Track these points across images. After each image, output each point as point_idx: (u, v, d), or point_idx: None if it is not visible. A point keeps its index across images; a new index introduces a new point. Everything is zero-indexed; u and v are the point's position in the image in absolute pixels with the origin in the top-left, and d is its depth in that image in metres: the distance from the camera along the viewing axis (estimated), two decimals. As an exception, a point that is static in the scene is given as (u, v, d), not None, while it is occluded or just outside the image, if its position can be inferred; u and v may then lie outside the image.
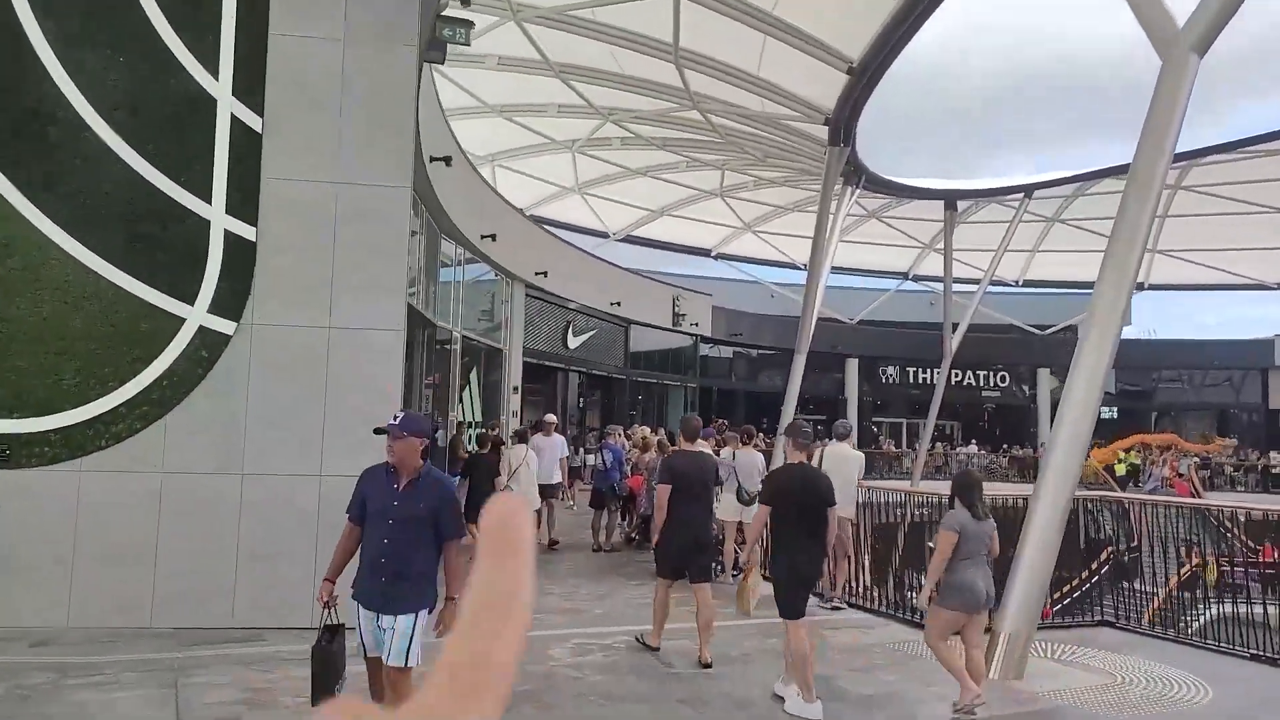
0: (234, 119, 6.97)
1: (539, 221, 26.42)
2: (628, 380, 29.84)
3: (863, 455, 8.93)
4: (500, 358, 22.47)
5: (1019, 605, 5.88)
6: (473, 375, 21.27)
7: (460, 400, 19.96)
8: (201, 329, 6.91)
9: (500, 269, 21.38)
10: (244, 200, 7.04)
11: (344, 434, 7.07)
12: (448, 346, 18.80)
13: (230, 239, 7.00)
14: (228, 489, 6.86)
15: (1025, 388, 41.39)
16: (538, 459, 11.00)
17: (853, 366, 40.68)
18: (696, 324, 31.85)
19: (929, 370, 41.49)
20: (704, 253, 39.10)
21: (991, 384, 41.31)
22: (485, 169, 26.17)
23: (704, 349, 35.30)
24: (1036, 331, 41.51)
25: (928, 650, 6.22)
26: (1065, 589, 9.92)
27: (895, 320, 44.03)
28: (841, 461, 8.68)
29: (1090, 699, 5.76)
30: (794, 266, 40.78)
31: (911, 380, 41.95)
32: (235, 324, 6.97)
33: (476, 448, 12.21)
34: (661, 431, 19.42)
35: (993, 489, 23.65)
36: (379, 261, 7.24)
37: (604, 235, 35.14)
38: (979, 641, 5.53)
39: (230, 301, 6.96)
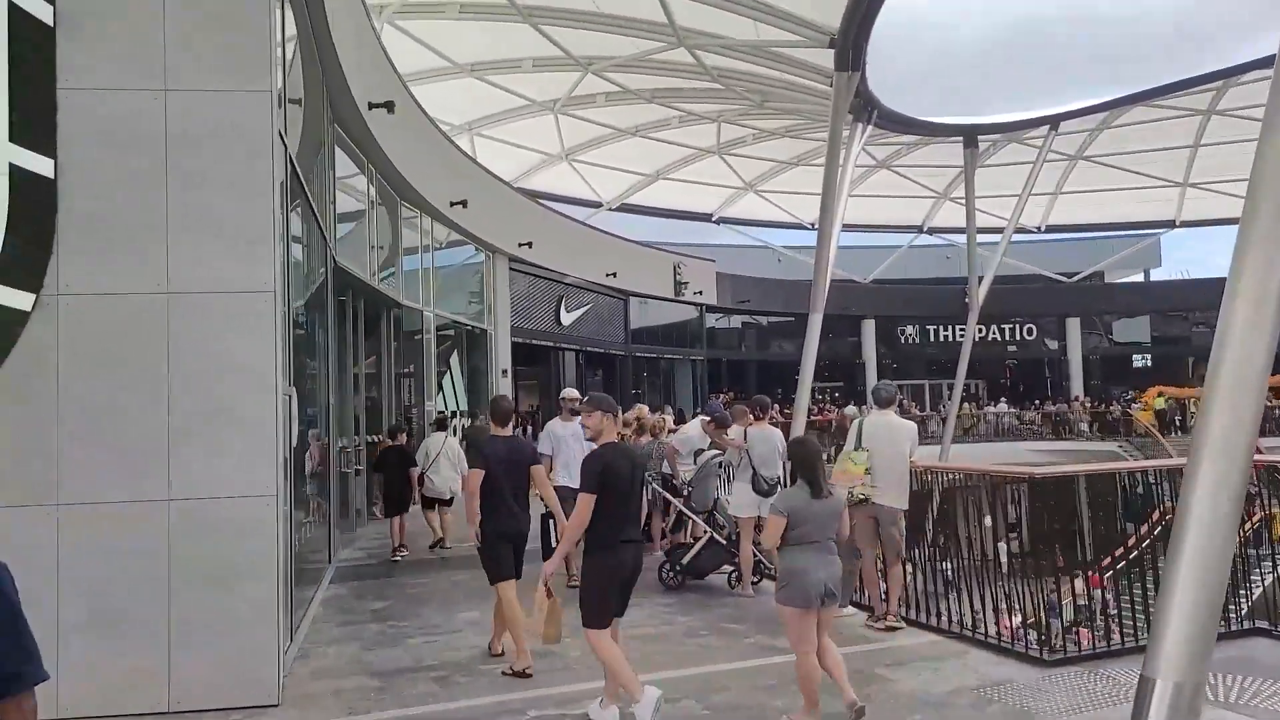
0: (11, 7, 4.91)
1: (526, 194, 24.26)
2: (629, 357, 27.79)
3: (914, 425, 6.88)
4: (485, 339, 20.44)
5: (1183, 646, 3.83)
6: (453, 360, 19.27)
7: (440, 388, 17.97)
8: (-15, 306, 4.90)
9: (477, 241, 19.31)
10: (33, 121, 5.00)
11: (198, 438, 5.08)
12: (419, 333, 16.78)
13: (17, 176, 4.97)
14: (35, 531, 4.88)
15: (1054, 340, 39.06)
16: (555, 451, 8.30)
17: (869, 328, 38.50)
18: (700, 293, 29.72)
19: (950, 328, 39.30)
20: (704, 218, 36.89)
21: (1018, 337, 38.97)
22: (463, 139, 24.04)
23: (710, 319, 33.19)
24: (1063, 279, 39.19)
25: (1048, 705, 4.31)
26: (1116, 553, 8.30)
27: (911, 277, 41.85)
28: (888, 434, 6.63)
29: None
30: (801, 226, 38.56)
31: (932, 339, 39.77)
32: (33, 296, 4.97)
33: (388, 440, 11.48)
34: (669, 411, 17.43)
35: (1030, 448, 21.54)
36: (233, 198, 5.21)
37: (597, 205, 32.99)
38: (826, 642, 4.77)
39: (22, 265, 4.95)
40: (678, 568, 8.11)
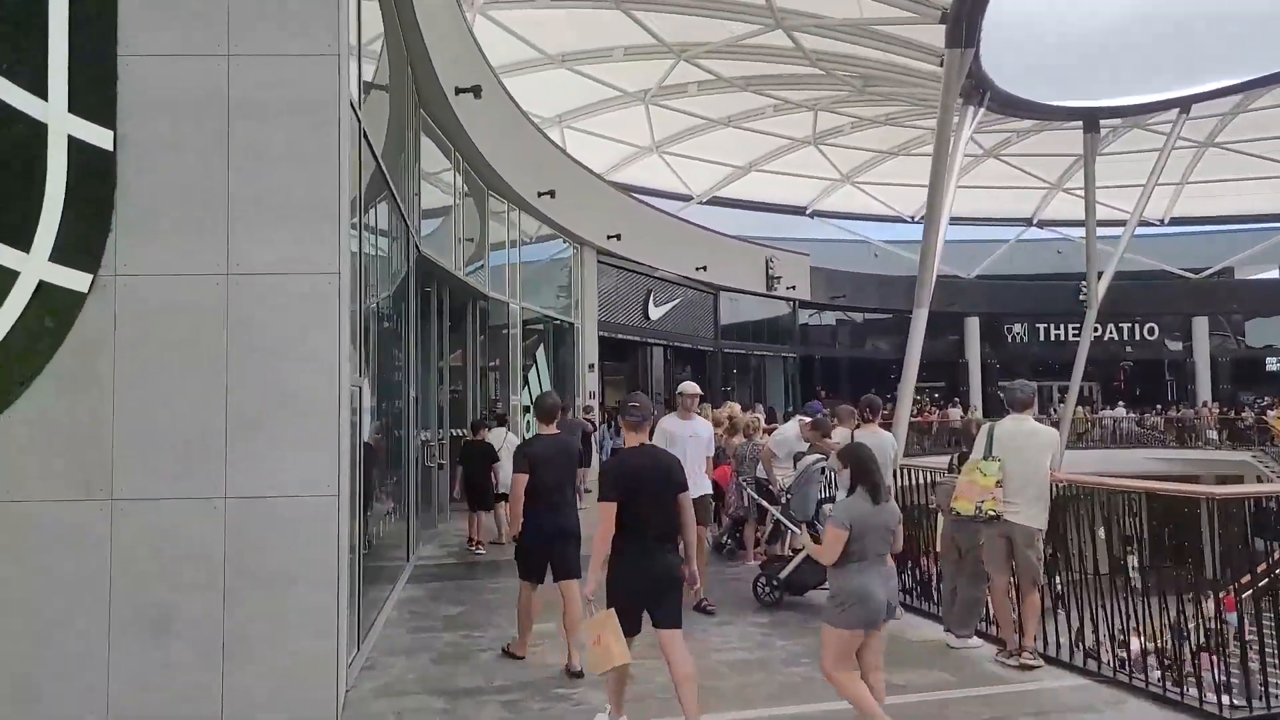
0: (71, -30, 4.62)
1: (615, 187, 23.80)
2: (719, 353, 27.07)
3: (1055, 432, 6.02)
4: (572, 333, 20.08)
5: None
6: (539, 354, 18.96)
7: (525, 382, 17.67)
8: (42, 286, 4.61)
9: (565, 233, 18.94)
10: (93, 90, 4.69)
11: (257, 430, 4.69)
12: (505, 326, 16.48)
13: (76, 149, 4.67)
14: (90, 524, 4.57)
15: (1177, 340, 36.55)
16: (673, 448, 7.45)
17: (973, 326, 36.77)
18: (793, 287, 28.78)
19: (1062, 326, 37.30)
20: (798, 211, 35.88)
21: (1137, 337, 36.57)
22: (553, 132, 23.78)
23: (803, 315, 32.15)
24: (1189, 275, 36.63)
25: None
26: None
27: (1019, 273, 39.88)
28: (1025, 441, 5.82)
29: None
30: (900, 220, 37.15)
31: (1041, 338, 37.74)
32: (90, 277, 4.65)
33: (471, 434, 11.12)
34: (759, 409, 16.70)
35: (1151, 456, 19.80)
36: (296, 171, 4.80)
37: (687, 198, 32.38)
38: (877, 662, 4.46)
39: (80, 243, 4.65)
40: (774, 583, 7.45)
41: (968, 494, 5.87)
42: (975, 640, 6.32)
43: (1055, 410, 29.71)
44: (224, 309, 4.71)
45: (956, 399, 33.04)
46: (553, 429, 5.92)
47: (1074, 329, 36.56)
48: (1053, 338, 37.69)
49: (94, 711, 4.54)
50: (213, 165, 4.75)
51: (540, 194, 16.64)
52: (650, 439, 5.28)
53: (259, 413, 4.71)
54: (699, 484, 6.88)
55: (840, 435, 7.35)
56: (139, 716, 4.56)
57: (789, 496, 7.66)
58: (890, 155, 31.86)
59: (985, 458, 5.92)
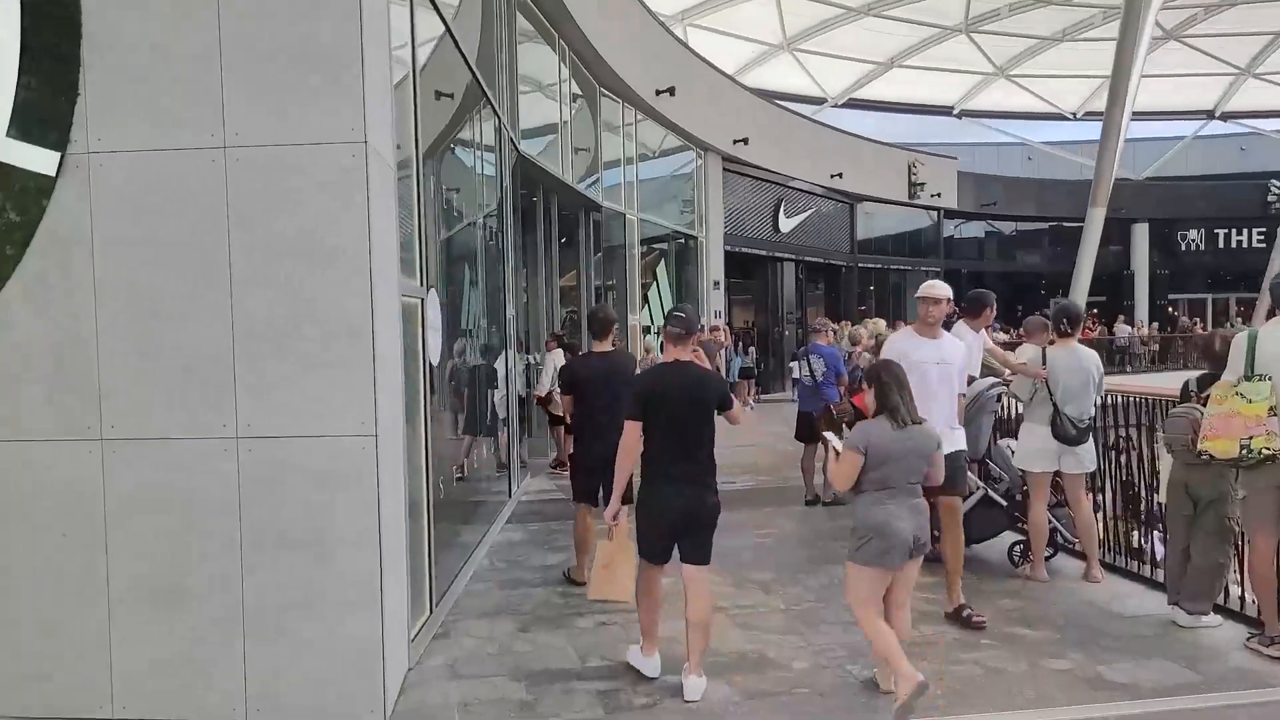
0: None
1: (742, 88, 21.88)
2: (855, 268, 25.05)
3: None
4: (696, 247, 18.65)
5: None
6: (660, 270, 17.68)
7: (646, 301, 16.48)
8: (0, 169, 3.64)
9: (687, 137, 17.37)
10: (48, -88, 3.60)
11: (273, 356, 3.65)
12: (622, 241, 15.21)
13: (32, -8, 3.62)
14: (78, 469, 3.66)
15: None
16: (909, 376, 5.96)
17: (1140, 233, 33.01)
18: (939, 194, 26.21)
19: (1245, 231, 33.08)
20: (944, 111, 32.78)
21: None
22: (675, 31, 22.00)
23: (949, 226, 29.44)
24: None
25: None
26: None
27: (1195, 174, 35.52)
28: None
29: None
30: (1061, 117, 33.49)
31: (1221, 245, 33.58)
32: (58, 155, 3.64)
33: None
34: (901, 325, 14.92)
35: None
36: (307, 19, 3.60)
37: (820, 101, 29.96)
38: (904, 599, 4.01)
39: (43, 114, 3.63)
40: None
41: (1225, 429, 4.28)
42: (1213, 617, 4.80)
43: (1233, 325, 26.37)
44: (223, 193, 3.61)
45: (1121, 315, 29.81)
46: (606, 345, 5.52)
47: (1259, 234, 32.42)
48: (1234, 244, 33.53)
49: (99, 695, 3.69)
50: (203, 6, 3.60)
51: (659, 92, 15.13)
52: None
53: (275, 330, 3.64)
54: (948, 434, 4.78)
55: (1028, 354, 5.77)
56: (150, 703, 3.68)
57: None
58: (1052, 42, 28.38)
59: (1248, 377, 4.30)
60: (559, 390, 5.88)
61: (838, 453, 4.06)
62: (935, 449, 3.95)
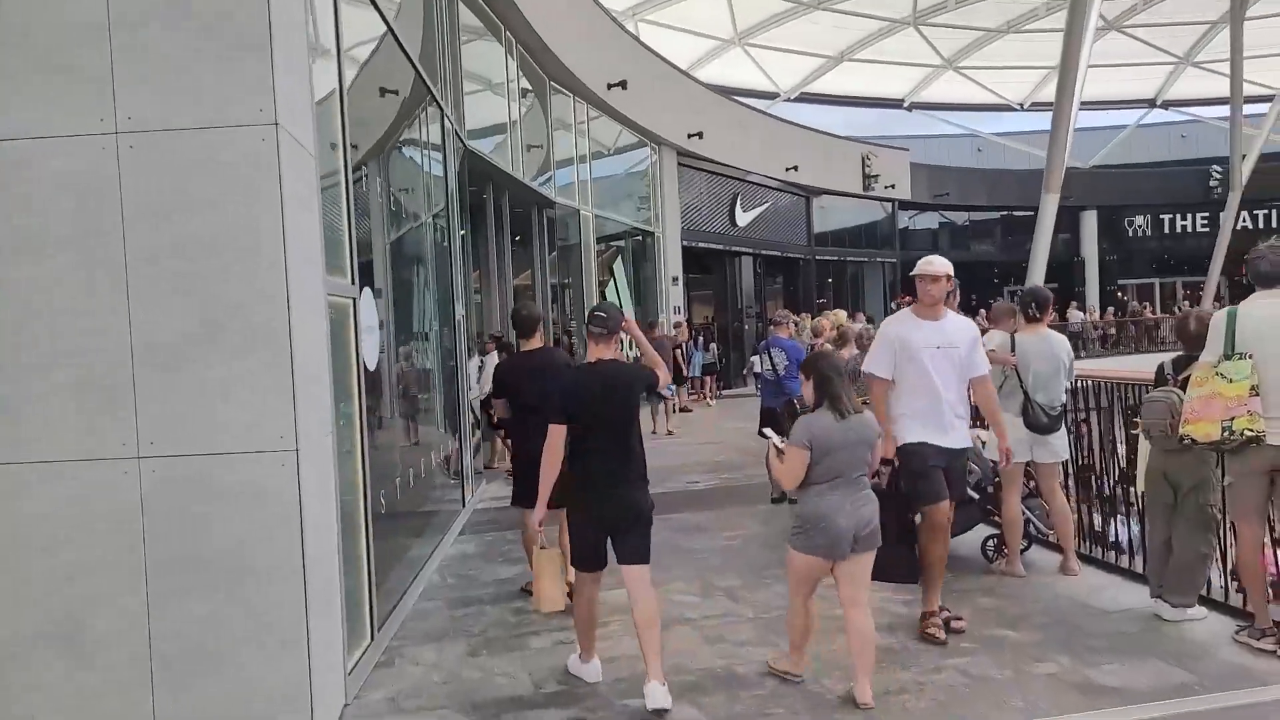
0: None
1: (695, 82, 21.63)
2: (812, 260, 24.97)
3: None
4: (653, 243, 18.37)
5: None
6: (617, 267, 17.38)
7: (603, 297, 16.15)
8: None
9: (642, 131, 17.09)
10: None
11: (176, 366, 3.26)
12: (576, 238, 14.87)
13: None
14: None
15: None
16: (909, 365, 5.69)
17: (1089, 220, 33.47)
18: (892, 186, 26.28)
19: (1189, 216, 33.68)
20: (895, 104, 32.92)
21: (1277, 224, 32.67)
22: (628, 26, 21.69)
23: (903, 218, 29.53)
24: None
25: None
26: None
27: (1139, 161, 36.06)
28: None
29: None
30: (1008, 108, 33.79)
31: (1166, 230, 34.16)
32: (-74, 145, 3.22)
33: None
34: (860, 319, 14.80)
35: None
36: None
37: (773, 95, 29.88)
38: (859, 597, 3.82)
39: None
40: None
41: (1207, 411, 4.07)
42: (1198, 610, 4.61)
43: (1179, 309, 26.79)
44: (116, 184, 3.22)
45: (1074, 301, 30.14)
46: (535, 343, 5.29)
47: (1203, 219, 33.03)
48: (1179, 229, 34.14)
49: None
50: (85, -29, 3.21)
51: (611, 86, 14.82)
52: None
53: (179, 336, 3.26)
54: (957, 427, 4.58)
55: (996, 340, 5.55)
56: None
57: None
58: (998, 34, 28.59)
59: (1228, 356, 4.10)
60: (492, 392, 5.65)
61: (779, 450, 3.87)
62: (877, 438, 3.91)
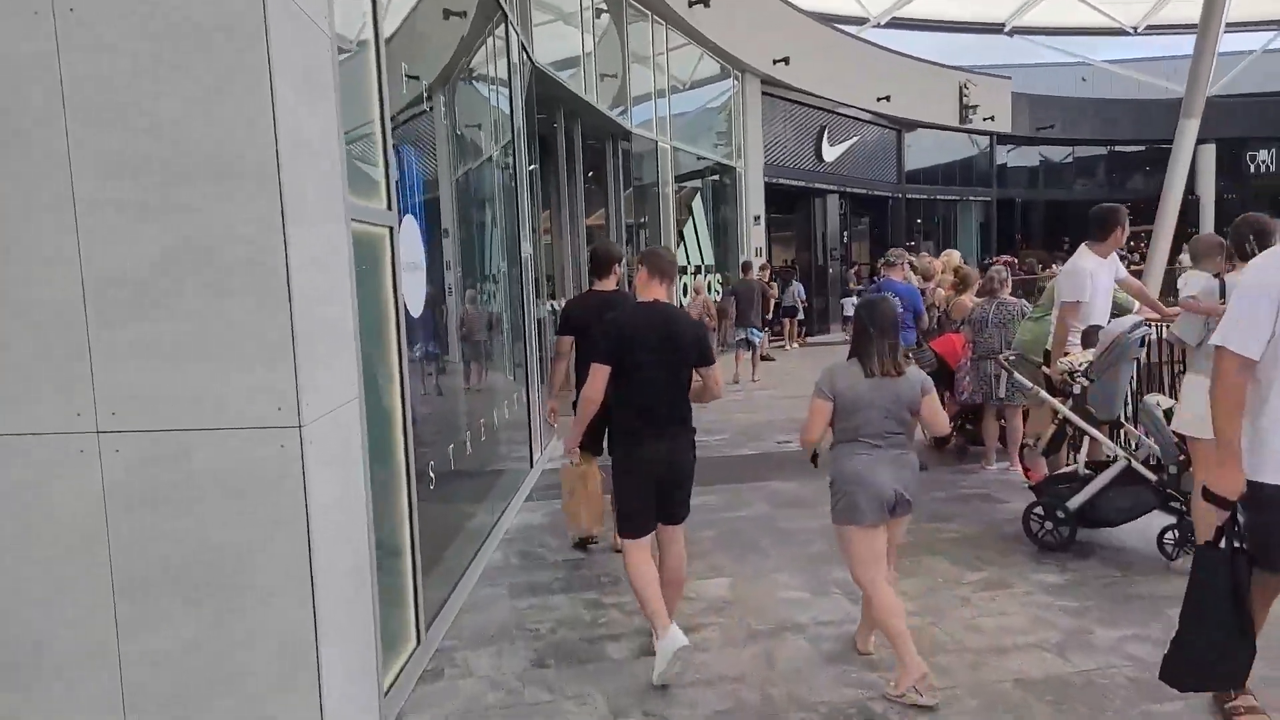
0: None
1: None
2: (903, 199, 23.39)
3: None
4: (734, 180, 17.19)
5: None
6: (695, 204, 16.28)
7: (681, 239, 15.13)
8: None
9: (724, 56, 15.81)
10: None
11: (145, 311, 2.43)
12: (654, 172, 13.82)
13: None
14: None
15: None
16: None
17: (1206, 155, 30.66)
18: (991, 118, 24.33)
19: (1327, 150, 30.65)
20: (995, 29, 30.42)
21: None
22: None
23: (1002, 153, 27.47)
24: None
25: None
26: None
27: (1267, 91, 32.92)
28: None
29: None
30: (1121, 32, 30.97)
31: (1296, 166, 31.21)
32: None
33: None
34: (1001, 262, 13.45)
35: None
36: None
37: (861, 21, 27.84)
38: (890, 559, 3.55)
39: None
40: (1059, 514, 4.80)
41: None
42: None
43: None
44: (54, 68, 2.37)
45: (1185, 245, 27.86)
46: (609, 284, 4.98)
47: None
48: (1313, 163, 31.18)
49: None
50: None
51: (692, 3, 13.59)
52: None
53: (145, 271, 2.43)
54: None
55: (1199, 285, 4.42)
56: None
57: (1085, 381, 4.82)
58: (1116, -55, 25.99)
59: None
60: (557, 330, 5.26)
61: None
62: (922, 395, 3.44)
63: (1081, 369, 4.77)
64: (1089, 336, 4.90)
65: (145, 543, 2.48)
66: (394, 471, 3.50)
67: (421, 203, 4.50)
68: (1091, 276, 4.98)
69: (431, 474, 4.11)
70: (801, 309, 17.17)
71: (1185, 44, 31.26)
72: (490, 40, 6.55)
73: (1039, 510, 4.89)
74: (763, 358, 13.09)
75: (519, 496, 6.30)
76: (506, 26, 6.88)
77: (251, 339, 2.43)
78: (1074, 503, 4.79)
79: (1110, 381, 4.76)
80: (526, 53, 7.81)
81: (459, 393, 5.41)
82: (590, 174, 12.19)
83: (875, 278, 20.34)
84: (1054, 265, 20.99)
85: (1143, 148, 29.76)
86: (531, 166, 8.32)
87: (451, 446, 4.68)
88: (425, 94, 4.78)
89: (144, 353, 2.43)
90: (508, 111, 7.05)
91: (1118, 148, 29.77)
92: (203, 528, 2.47)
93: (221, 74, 2.36)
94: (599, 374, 3.63)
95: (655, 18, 13.34)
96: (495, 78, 6.80)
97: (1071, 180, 30.91)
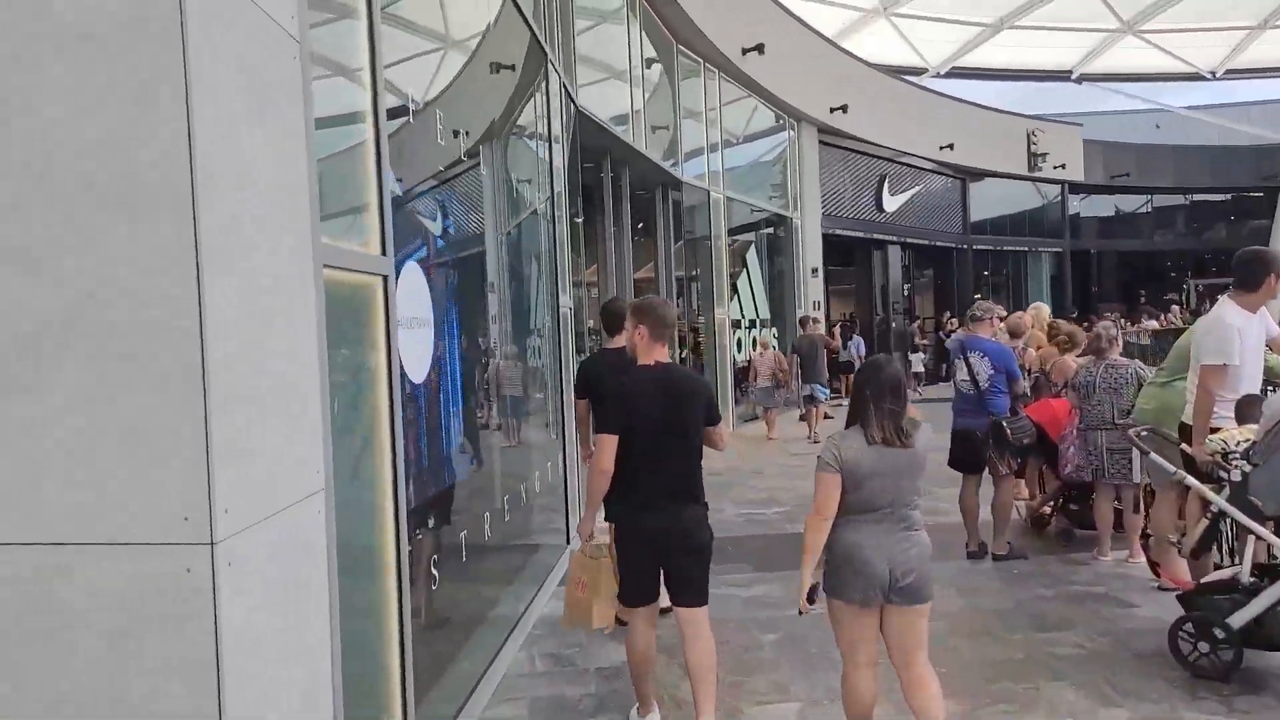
0: None
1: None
2: (969, 250, 22.47)
3: None
4: (789, 231, 16.54)
5: None
6: (749, 256, 15.63)
7: (735, 292, 14.47)
8: None
9: (779, 104, 15.31)
10: None
11: (15, 387, 1.79)
12: (706, 223, 13.24)
13: None
14: None
15: None
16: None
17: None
18: (1062, 166, 23.38)
19: None
20: (1062, 76, 29.64)
21: None
22: (758, -2, 19.92)
23: (1074, 202, 26.39)
24: None
25: None
26: None
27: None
28: None
29: None
30: (1197, 76, 29.89)
31: None
32: None
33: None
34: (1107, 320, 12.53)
35: None
36: None
37: (920, 71, 27.29)
38: (915, 658, 3.16)
39: None
40: (1218, 634, 3.91)
41: None
42: None
43: None
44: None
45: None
46: (620, 341, 4.75)
47: None
48: None
49: None
50: None
51: (745, 50, 13.13)
52: None
53: (6, 341, 1.83)
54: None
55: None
56: None
57: (1246, 467, 3.96)
58: (1189, -11, 25.12)
59: None
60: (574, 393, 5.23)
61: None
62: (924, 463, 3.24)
63: (1239, 450, 3.93)
64: (1249, 408, 4.06)
65: (18, 689, 1.85)
66: (377, 576, 2.84)
67: (452, 257, 3.94)
68: (1240, 334, 4.17)
69: (436, 558, 3.45)
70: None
71: (1269, 88, 30.04)
72: (530, 85, 6.06)
73: (1190, 628, 4.01)
74: (824, 415, 12.33)
75: (552, 579, 5.59)
76: (546, 65, 6.39)
77: (151, 426, 1.80)
78: (1237, 619, 3.89)
79: (1274, 466, 3.89)
80: (568, 93, 7.32)
81: (477, 462, 4.76)
82: (639, 225, 11.68)
83: (940, 332, 19.41)
84: (1163, 316, 19.81)
85: (1225, 196, 28.43)
86: (578, 218, 7.80)
87: (466, 530, 4.02)
88: (463, 147, 4.25)
89: (4, 445, 1.82)
90: (548, 160, 6.53)
91: (1197, 196, 28.46)
92: (72, 673, 1.82)
93: (129, 70, 1.78)
94: (607, 445, 3.49)
95: (708, 65, 12.89)
96: (536, 129, 6.30)
97: (1150, 231, 29.59)
